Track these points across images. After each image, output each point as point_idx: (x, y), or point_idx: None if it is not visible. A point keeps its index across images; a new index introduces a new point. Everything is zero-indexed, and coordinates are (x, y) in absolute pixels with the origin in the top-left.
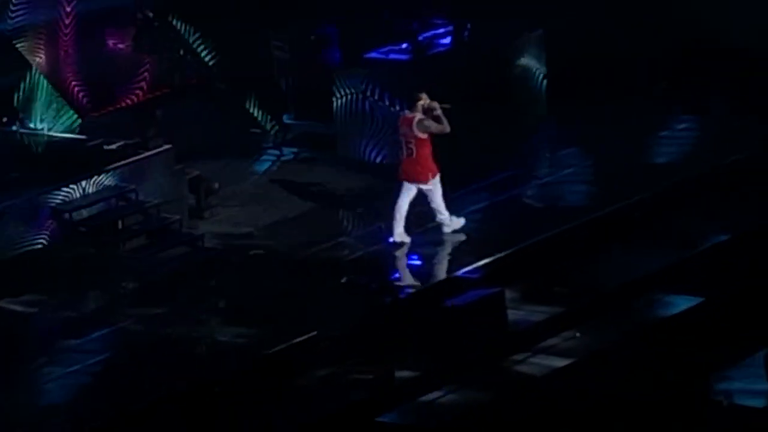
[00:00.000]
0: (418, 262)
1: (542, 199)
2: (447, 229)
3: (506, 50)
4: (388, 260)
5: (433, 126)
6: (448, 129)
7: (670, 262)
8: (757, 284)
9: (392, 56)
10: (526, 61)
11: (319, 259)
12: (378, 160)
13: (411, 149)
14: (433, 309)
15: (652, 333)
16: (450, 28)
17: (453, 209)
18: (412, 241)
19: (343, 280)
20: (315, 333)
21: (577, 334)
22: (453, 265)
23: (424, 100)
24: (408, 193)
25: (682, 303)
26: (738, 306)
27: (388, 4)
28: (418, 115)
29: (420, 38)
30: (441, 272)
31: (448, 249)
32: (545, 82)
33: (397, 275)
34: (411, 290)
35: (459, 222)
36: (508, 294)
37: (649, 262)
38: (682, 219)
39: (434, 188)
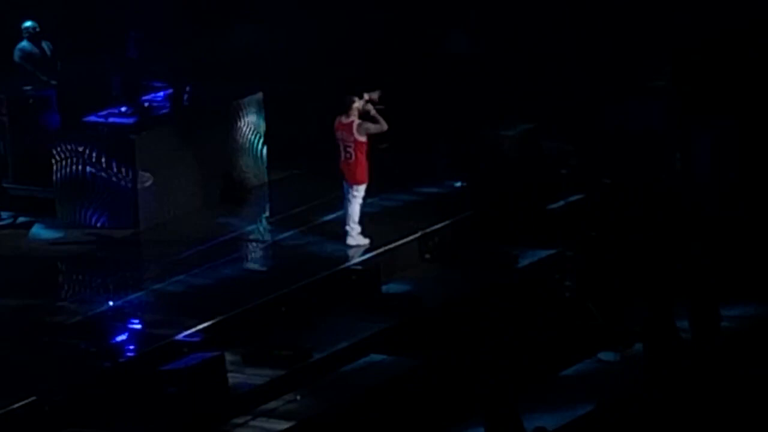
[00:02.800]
0: (138, 326)
1: (266, 261)
2: (350, 240)
3: (226, 113)
4: (108, 324)
5: (372, 127)
6: (385, 127)
7: (389, 325)
8: (469, 345)
9: (112, 120)
10: (246, 123)
11: (39, 323)
12: (99, 224)
13: (350, 153)
14: (152, 373)
15: (372, 395)
16: (170, 91)
17: (179, 270)
18: (132, 304)
19: (66, 344)
20: (34, 398)
21: (298, 397)
22: (173, 328)
23: (359, 103)
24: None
25: (402, 365)
26: (455, 367)
27: (108, 67)
28: (356, 119)
29: (140, 101)
30: (161, 336)
31: (169, 312)
32: (265, 146)
33: (117, 339)
34: (131, 354)
35: (364, 241)
36: (229, 357)
37: (368, 325)
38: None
39: (358, 195)
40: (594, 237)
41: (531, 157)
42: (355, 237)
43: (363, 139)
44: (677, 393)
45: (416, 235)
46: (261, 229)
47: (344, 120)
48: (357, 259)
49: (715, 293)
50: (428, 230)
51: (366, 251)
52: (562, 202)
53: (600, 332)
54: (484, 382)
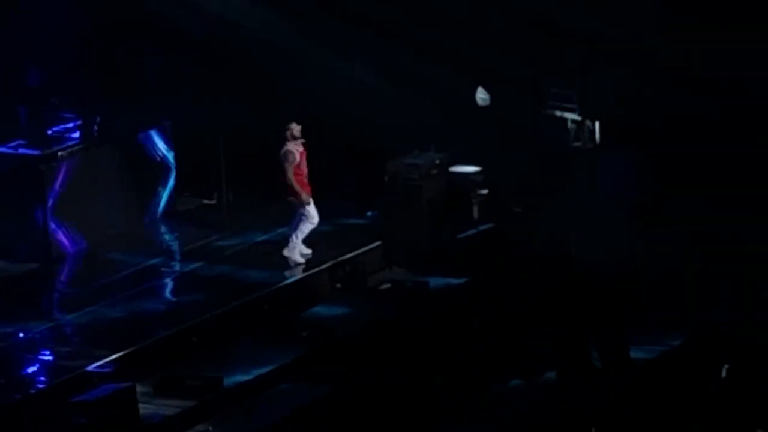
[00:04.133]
0: (48, 358)
1: (176, 291)
2: (286, 251)
3: (135, 142)
4: (17, 356)
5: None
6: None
7: (301, 353)
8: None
9: (21, 150)
10: (155, 153)
11: None
12: (9, 255)
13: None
14: (62, 404)
15: (284, 424)
16: (79, 122)
17: (90, 301)
18: (42, 336)
19: None
20: None
21: (210, 428)
22: (84, 359)
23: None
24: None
25: (313, 392)
26: (367, 393)
27: (16, 96)
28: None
29: (49, 132)
30: (72, 367)
31: (79, 343)
32: (173, 176)
33: (26, 371)
34: (41, 386)
35: (305, 253)
36: (139, 388)
37: (279, 353)
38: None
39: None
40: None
41: (441, 185)
42: (293, 252)
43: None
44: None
45: (327, 265)
46: (171, 259)
47: (300, 148)
48: (268, 289)
49: (624, 320)
50: (339, 259)
51: (279, 280)
52: (473, 231)
53: (510, 359)
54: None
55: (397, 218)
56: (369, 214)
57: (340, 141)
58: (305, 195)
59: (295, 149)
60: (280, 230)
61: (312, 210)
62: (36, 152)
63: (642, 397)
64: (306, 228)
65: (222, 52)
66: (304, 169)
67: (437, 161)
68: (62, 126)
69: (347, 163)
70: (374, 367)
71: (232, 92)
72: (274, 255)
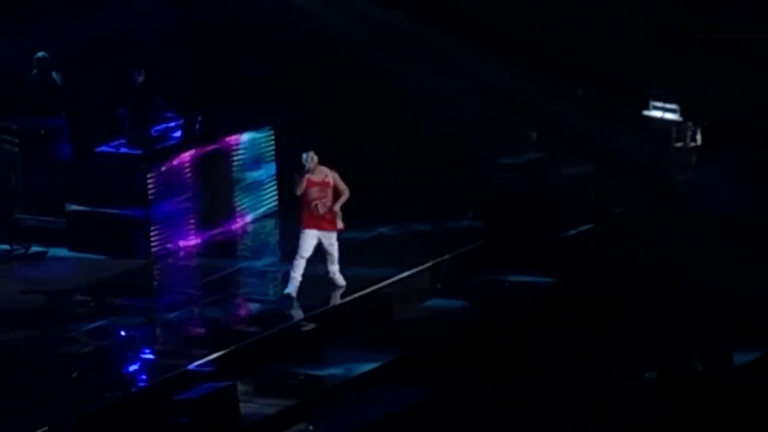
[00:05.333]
0: (150, 356)
1: (277, 291)
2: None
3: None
4: (119, 354)
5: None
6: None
7: (401, 354)
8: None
9: (123, 150)
10: (255, 154)
11: (52, 352)
12: (111, 254)
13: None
14: (164, 403)
15: (384, 423)
16: (181, 121)
17: (191, 300)
18: (144, 335)
19: (74, 375)
20: (46, 428)
21: (310, 427)
22: (185, 358)
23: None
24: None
25: (409, 397)
26: (465, 399)
27: (119, 96)
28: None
29: (151, 131)
30: (173, 365)
31: (180, 342)
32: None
33: (128, 369)
34: (143, 384)
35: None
36: (241, 387)
37: (378, 353)
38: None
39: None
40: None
41: (542, 185)
42: (294, 283)
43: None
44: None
45: (427, 265)
46: (273, 258)
47: (316, 178)
48: (370, 289)
49: (728, 328)
50: (440, 259)
51: (379, 280)
52: (573, 231)
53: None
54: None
55: (498, 218)
56: (470, 213)
57: (440, 143)
58: (304, 224)
59: (304, 179)
60: (381, 229)
61: (304, 242)
62: (137, 152)
63: (743, 400)
64: (296, 262)
65: (321, 53)
66: (310, 200)
67: (538, 161)
68: (164, 125)
69: (447, 165)
70: (474, 369)
71: (332, 93)
72: (374, 253)
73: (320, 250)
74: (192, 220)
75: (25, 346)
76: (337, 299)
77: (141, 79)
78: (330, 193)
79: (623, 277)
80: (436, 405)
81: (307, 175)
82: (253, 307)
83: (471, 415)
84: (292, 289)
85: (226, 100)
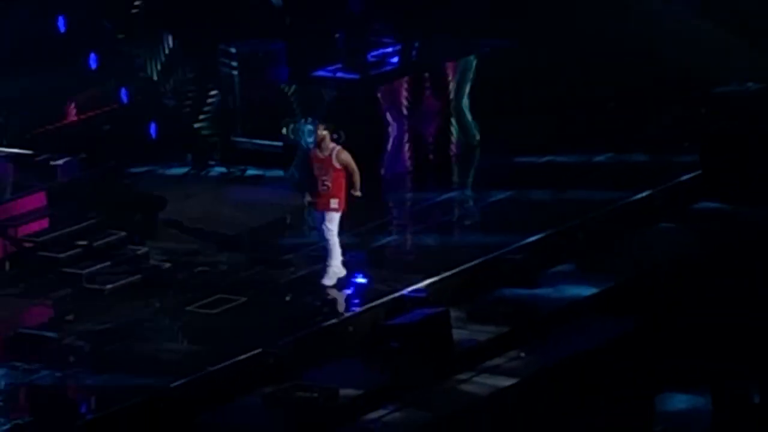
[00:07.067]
0: (362, 281)
1: (483, 221)
2: (330, 277)
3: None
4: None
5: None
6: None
7: (609, 286)
8: (687, 309)
9: (339, 75)
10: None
11: (264, 277)
12: None
13: (327, 185)
14: (377, 328)
15: (592, 355)
16: (398, 47)
17: (391, 230)
18: (357, 260)
19: (288, 298)
20: (259, 350)
21: (522, 354)
22: (399, 283)
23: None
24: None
25: (620, 326)
26: (672, 331)
27: (337, 22)
28: (335, 148)
29: (368, 57)
30: (386, 291)
31: (393, 268)
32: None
33: (341, 293)
34: (355, 309)
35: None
36: (454, 313)
37: (589, 285)
38: (621, 244)
39: (334, 225)
40: None
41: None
42: (336, 273)
43: (339, 167)
44: None
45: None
46: (482, 190)
47: (320, 154)
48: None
49: None
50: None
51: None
52: None
53: None
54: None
55: (720, 148)
56: (685, 145)
57: (654, 76)
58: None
59: (313, 154)
60: (598, 157)
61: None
62: (354, 76)
63: None
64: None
65: None
66: (318, 176)
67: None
68: (381, 51)
69: (661, 98)
70: (679, 305)
71: (542, 28)
72: (590, 182)
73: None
74: (407, 147)
75: (233, 268)
76: (548, 229)
77: (360, 3)
78: (332, 172)
79: None
80: (645, 336)
81: (314, 149)
82: (466, 234)
83: (679, 347)
84: (330, 278)
85: (439, 27)
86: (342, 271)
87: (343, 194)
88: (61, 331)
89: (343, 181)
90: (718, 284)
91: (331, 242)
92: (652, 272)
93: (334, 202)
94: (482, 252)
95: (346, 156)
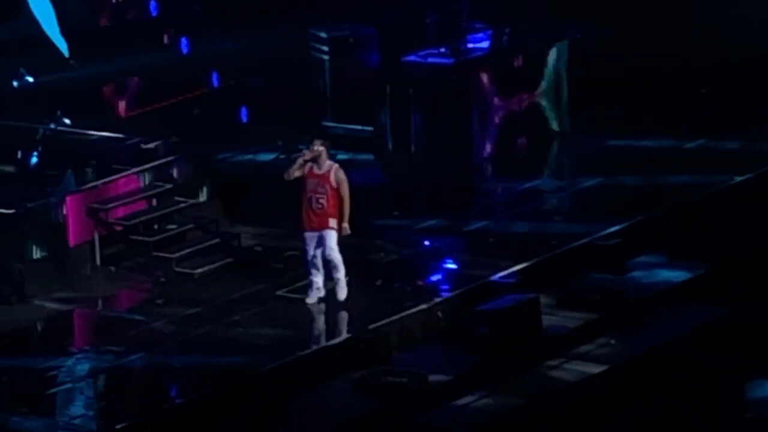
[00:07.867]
0: (453, 266)
1: (573, 207)
2: (343, 288)
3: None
4: (423, 263)
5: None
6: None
7: (700, 272)
8: None
9: (431, 60)
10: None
11: (355, 260)
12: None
13: (322, 204)
14: (466, 313)
15: (683, 342)
16: (490, 32)
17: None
18: (448, 245)
19: (378, 283)
20: (349, 335)
21: (612, 341)
22: (489, 269)
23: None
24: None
25: (712, 313)
26: (763, 317)
27: (428, 7)
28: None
29: (459, 42)
30: (476, 276)
31: (483, 254)
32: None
33: (432, 278)
34: (446, 294)
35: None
36: (543, 299)
37: (680, 271)
38: (712, 231)
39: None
40: None
41: None
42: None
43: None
44: None
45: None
46: (571, 178)
47: (317, 170)
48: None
49: None
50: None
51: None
52: None
53: None
54: None
55: None
56: None
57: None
58: (302, 225)
59: (309, 171)
60: (688, 144)
61: (306, 248)
62: (446, 61)
63: None
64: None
65: None
66: (308, 193)
67: None
68: (472, 36)
69: (755, 86)
70: None
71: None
72: (683, 167)
73: None
74: (497, 132)
75: None
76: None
77: None
78: (329, 190)
79: None
80: (737, 322)
81: (311, 165)
82: (556, 220)
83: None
84: (313, 297)
85: (529, 13)
86: (343, 292)
87: (338, 214)
88: (150, 314)
89: (338, 201)
90: None
91: (335, 259)
92: (743, 258)
93: (332, 222)
94: (572, 238)
95: (343, 175)
